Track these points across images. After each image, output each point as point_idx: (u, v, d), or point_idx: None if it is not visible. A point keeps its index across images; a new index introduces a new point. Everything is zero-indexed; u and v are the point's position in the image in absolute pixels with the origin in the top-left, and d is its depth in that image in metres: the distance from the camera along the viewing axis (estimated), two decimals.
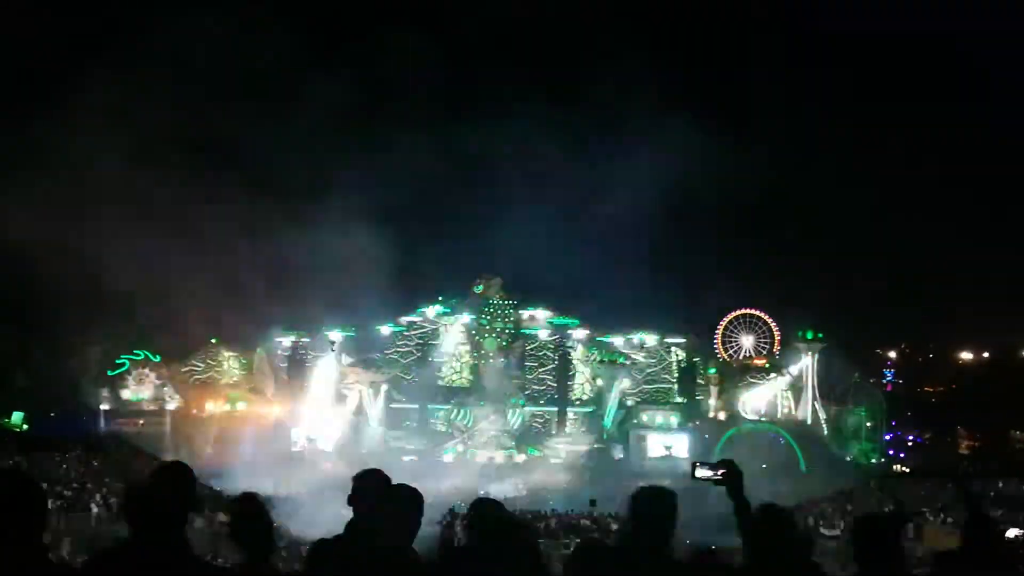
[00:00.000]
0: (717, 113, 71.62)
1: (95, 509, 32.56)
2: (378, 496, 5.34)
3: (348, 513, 5.56)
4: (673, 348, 76.35)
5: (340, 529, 5.41)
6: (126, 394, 68.61)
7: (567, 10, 75.58)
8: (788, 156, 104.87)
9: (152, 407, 68.08)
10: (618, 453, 69.73)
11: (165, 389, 70.00)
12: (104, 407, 66.65)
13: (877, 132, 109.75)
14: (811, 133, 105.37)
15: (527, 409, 72.74)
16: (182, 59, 65.05)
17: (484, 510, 5.40)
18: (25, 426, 60.13)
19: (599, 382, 74.89)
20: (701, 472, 5.37)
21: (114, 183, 57.10)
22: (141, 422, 65.37)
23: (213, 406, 69.84)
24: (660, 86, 75.93)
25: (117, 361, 68.56)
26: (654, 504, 5.03)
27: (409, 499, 5.20)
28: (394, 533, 5.07)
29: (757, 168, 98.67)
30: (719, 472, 5.30)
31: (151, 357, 69.57)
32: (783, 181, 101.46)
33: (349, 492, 5.58)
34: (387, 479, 5.58)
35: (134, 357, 69.04)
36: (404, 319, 75.86)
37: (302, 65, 75.19)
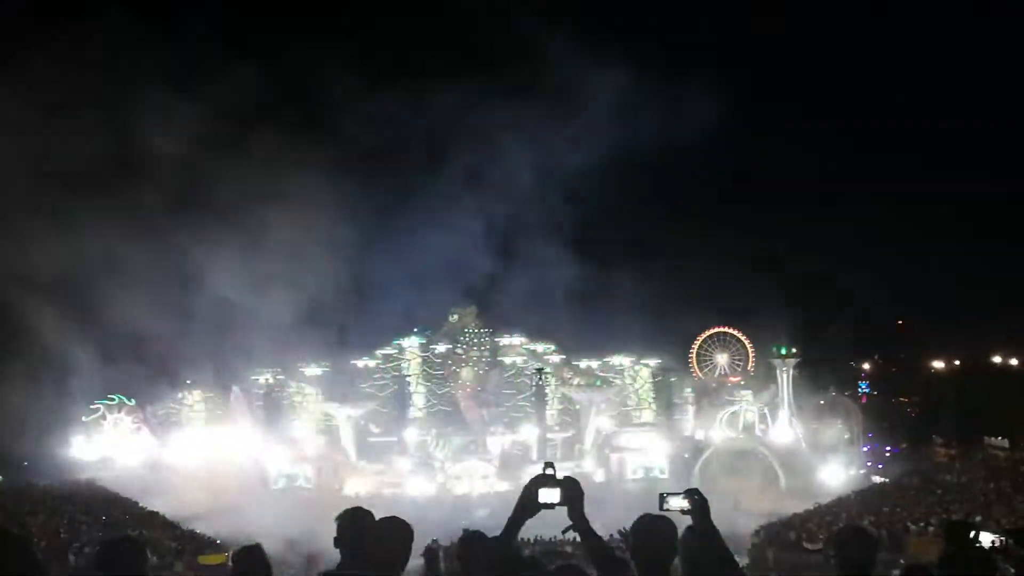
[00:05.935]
0: (692, 134, 72.06)
1: (72, 559, 31.98)
2: (366, 532, 5.37)
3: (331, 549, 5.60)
4: (649, 369, 76.67)
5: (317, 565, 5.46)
6: (101, 439, 67.67)
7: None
8: (761, 177, 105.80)
9: (128, 451, 67.13)
10: (598, 476, 69.43)
11: (141, 432, 69.20)
12: (79, 453, 65.73)
13: (850, 148, 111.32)
14: (784, 151, 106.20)
15: (506, 436, 72.49)
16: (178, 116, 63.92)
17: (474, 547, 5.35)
18: None
19: (576, 406, 74.95)
20: (672, 502, 5.21)
21: (86, 225, 56.72)
22: (117, 467, 64.40)
23: (190, 447, 69.12)
24: (640, 112, 76.14)
25: (91, 406, 67.77)
26: (654, 534, 5.08)
27: (399, 532, 5.22)
28: (384, 566, 5.08)
29: (727, 186, 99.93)
30: (686, 501, 5.16)
31: (126, 401, 68.86)
32: (755, 197, 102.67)
33: (335, 531, 5.61)
34: (371, 515, 5.63)
35: (109, 401, 68.29)
36: (380, 352, 75.71)
37: (281, 112, 75.41)
